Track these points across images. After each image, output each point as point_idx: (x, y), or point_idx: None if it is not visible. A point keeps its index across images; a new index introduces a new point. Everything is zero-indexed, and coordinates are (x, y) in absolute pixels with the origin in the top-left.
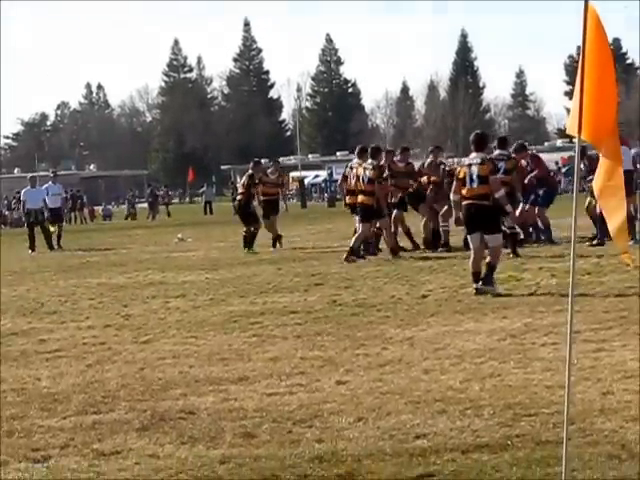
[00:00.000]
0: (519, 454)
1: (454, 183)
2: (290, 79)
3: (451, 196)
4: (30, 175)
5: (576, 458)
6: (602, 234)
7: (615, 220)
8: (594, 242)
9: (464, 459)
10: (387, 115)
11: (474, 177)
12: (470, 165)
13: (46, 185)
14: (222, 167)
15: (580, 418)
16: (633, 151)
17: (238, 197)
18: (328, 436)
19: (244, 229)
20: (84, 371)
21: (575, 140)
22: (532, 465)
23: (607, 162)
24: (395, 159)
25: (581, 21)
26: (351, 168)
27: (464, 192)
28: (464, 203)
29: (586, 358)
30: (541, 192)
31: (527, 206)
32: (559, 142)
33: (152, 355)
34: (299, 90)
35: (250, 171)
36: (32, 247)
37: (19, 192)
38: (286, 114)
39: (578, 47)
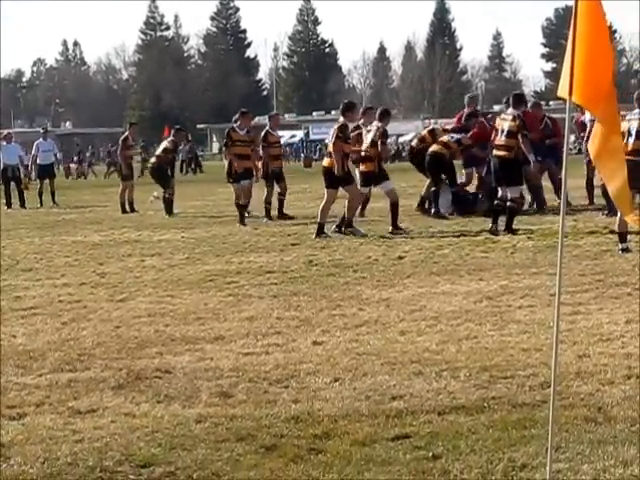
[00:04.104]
0: (495, 416)
1: None
2: (267, 38)
3: None
4: (6, 132)
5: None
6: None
7: (615, 183)
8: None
9: (440, 421)
10: (364, 76)
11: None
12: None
13: (37, 141)
14: (198, 126)
15: (556, 381)
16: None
17: (153, 159)
18: (304, 396)
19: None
20: (60, 329)
21: (552, 103)
22: (508, 427)
23: (603, 126)
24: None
25: None
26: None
27: None
28: None
29: (562, 321)
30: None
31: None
32: None
33: (128, 313)
34: (276, 50)
35: (171, 138)
36: (8, 204)
37: None
38: (263, 73)
39: (556, 9)
